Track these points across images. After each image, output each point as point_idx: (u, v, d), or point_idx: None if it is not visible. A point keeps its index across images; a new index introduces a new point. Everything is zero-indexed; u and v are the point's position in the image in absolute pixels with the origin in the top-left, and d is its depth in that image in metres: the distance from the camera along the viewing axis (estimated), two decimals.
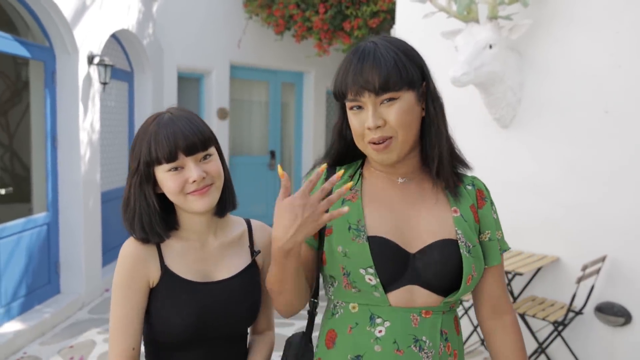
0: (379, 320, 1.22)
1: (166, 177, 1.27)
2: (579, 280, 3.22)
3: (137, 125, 6.30)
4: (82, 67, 4.71)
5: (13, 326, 3.99)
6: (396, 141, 1.23)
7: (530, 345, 3.61)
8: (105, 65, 4.86)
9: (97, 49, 4.93)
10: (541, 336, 3.66)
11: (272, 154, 8.09)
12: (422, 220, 1.27)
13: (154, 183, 1.31)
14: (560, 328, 3.46)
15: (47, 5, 4.30)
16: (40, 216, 4.47)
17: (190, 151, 1.26)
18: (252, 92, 8.03)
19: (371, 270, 1.21)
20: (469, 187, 1.34)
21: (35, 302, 4.42)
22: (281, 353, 1.37)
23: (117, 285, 1.31)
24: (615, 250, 3.47)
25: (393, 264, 1.23)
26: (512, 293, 3.77)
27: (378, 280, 1.21)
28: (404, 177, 1.32)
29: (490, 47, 3.48)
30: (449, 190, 1.30)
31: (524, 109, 3.79)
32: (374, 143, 1.23)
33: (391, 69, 1.19)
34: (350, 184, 1.14)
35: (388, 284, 1.23)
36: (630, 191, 3.39)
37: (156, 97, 6.43)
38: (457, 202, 1.31)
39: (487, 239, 1.32)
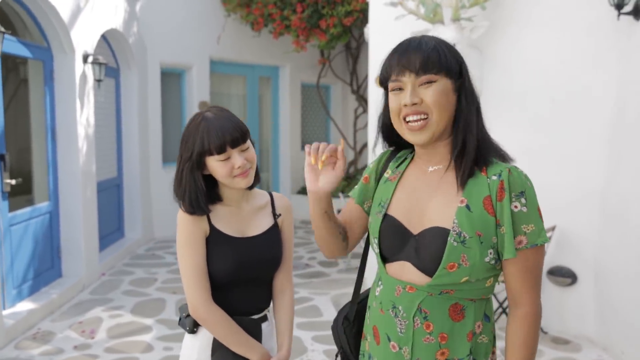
0: (380, 282, 1.47)
1: (217, 165, 1.65)
2: None
3: (125, 118, 6.63)
4: (78, 65, 5.04)
5: (25, 305, 4.33)
6: (430, 122, 1.33)
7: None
8: (100, 64, 5.20)
9: (90, 48, 5.26)
10: (501, 297, 4.19)
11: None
12: (429, 207, 1.38)
13: (203, 167, 1.69)
14: None
15: (45, 8, 4.61)
16: (43, 205, 4.81)
17: (234, 144, 1.64)
18: (231, 85, 8.40)
19: (376, 241, 1.46)
20: (494, 178, 1.33)
21: (41, 285, 4.76)
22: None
23: (184, 243, 1.67)
24: (563, 221, 4.01)
25: (395, 240, 1.42)
26: None
27: (379, 250, 1.45)
28: (435, 166, 1.42)
29: (454, 45, 3.96)
30: (462, 179, 1.34)
31: (483, 100, 4.24)
32: (410, 122, 1.34)
33: (431, 52, 1.32)
34: (342, 143, 1.46)
35: (389, 256, 1.44)
36: (575, 170, 3.93)
37: (141, 91, 6.76)
38: (470, 193, 1.34)
39: (503, 232, 1.31)
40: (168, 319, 4.39)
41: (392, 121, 1.41)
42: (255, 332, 1.76)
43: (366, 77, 8.63)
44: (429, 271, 1.35)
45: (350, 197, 1.64)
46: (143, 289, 5.15)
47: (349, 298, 1.75)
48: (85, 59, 5.14)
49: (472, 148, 1.34)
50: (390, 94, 1.38)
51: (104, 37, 5.98)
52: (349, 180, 8.79)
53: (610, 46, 3.76)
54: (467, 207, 1.32)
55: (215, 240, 1.71)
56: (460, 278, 1.32)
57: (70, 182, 5.04)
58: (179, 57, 7.33)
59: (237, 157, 1.65)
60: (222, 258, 1.70)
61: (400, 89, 1.35)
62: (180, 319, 1.80)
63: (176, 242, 1.71)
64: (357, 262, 5.99)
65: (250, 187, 1.81)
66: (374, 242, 1.47)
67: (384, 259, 1.46)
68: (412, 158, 1.51)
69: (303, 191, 8.91)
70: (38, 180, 4.94)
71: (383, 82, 1.42)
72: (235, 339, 1.68)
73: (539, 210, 1.34)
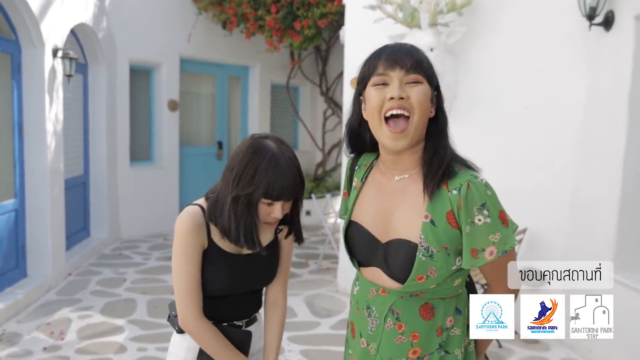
0: (357, 283, 1.55)
1: (260, 207, 1.60)
2: None
3: (92, 115, 6.47)
4: (48, 60, 4.90)
5: None
6: (410, 124, 1.34)
7: None
8: (70, 59, 5.07)
9: (60, 42, 5.13)
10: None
11: (220, 144, 8.41)
12: (394, 218, 1.41)
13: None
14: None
15: (15, 0, 4.48)
16: (8, 203, 4.66)
17: (288, 200, 1.61)
18: (201, 84, 8.30)
19: (345, 247, 1.54)
20: (454, 192, 1.34)
21: (6, 285, 4.60)
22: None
23: (181, 255, 1.62)
24: (534, 224, 4.13)
25: (365, 247, 1.47)
26: None
27: (351, 255, 1.53)
28: (401, 175, 1.44)
29: (431, 50, 4.02)
30: (431, 190, 1.36)
31: (459, 104, 4.37)
32: (391, 118, 1.34)
33: (422, 57, 1.38)
34: None
35: (363, 261, 1.50)
36: (547, 175, 4.05)
37: (109, 88, 6.62)
38: (433, 207, 1.36)
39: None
40: (140, 319, 4.32)
41: (370, 121, 1.40)
42: (246, 341, 1.75)
43: (335, 79, 8.67)
44: (399, 279, 1.40)
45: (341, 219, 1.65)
46: (112, 289, 5.04)
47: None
48: (54, 53, 5.00)
49: (443, 158, 1.37)
50: (372, 89, 1.37)
51: (72, 31, 5.83)
52: (317, 181, 8.81)
53: (581, 55, 3.88)
54: (432, 222, 1.35)
55: (212, 256, 1.67)
56: (429, 286, 1.38)
57: (38, 180, 4.90)
58: (148, 54, 7.21)
59: (279, 209, 1.61)
60: (217, 274, 1.67)
61: (385, 84, 1.35)
62: (169, 316, 1.78)
63: (173, 251, 1.67)
64: (327, 263, 6.01)
65: None
66: (345, 246, 1.54)
67: (360, 263, 1.52)
68: (375, 164, 1.52)
69: None
70: (3, 177, 4.78)
71: (363, 79, 1.40)
72: (222, 354, 1.66)
73: (501, 216, 1.35)
